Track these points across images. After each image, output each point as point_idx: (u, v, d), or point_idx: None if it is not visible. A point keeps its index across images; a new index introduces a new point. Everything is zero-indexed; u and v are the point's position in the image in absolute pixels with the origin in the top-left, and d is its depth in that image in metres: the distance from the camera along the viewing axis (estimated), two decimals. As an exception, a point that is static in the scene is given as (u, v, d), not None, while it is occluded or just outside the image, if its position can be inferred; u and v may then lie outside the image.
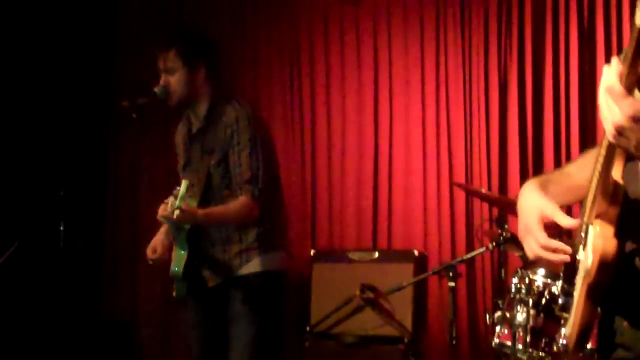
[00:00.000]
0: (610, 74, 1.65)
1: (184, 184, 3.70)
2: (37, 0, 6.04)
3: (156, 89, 3.97)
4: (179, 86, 3.95)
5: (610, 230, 1.82)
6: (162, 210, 3.75)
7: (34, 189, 5.76)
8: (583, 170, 2.06)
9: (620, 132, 1.65)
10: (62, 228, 3.98)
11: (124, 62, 6.54)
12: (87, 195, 5.71)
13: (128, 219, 6.37)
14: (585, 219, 1.92)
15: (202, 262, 3.95)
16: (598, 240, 1.81)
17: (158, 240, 4.07)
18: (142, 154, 6.44)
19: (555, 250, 1.99)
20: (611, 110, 1.65)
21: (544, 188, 2.07)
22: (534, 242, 2.01)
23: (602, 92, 1.67)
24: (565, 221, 1.96)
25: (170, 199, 3.71)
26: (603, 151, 1.82)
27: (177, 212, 3.65)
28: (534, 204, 2.03)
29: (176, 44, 3.97)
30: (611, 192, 1.85)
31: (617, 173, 1.84)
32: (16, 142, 6.00)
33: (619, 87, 1.62)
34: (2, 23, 5.91)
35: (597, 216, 1.84)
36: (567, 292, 2.02)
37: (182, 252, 3.90)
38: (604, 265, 1.80)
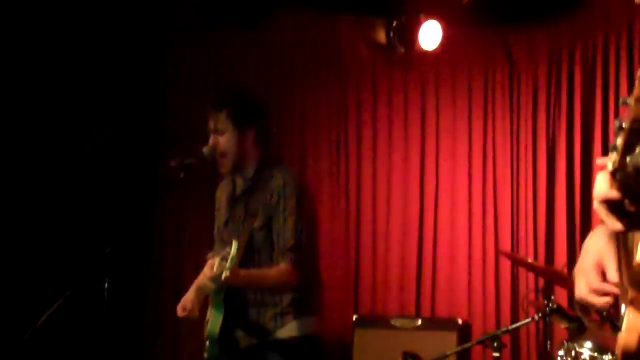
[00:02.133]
0: (602, 184, 1.63)
1: (234, 245, 3.71)
2: (89, 57, 6.14)
3: (204, 149, 3.99)
4: (228, 147, 3.97)
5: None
6: (209, 272, 3.75)
7: (81, 244, 5.80)
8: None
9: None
10: (106, 286, 3.99)
11: (173, 120, 6.60)
12: (132, 253, 5.73)
13: (172, 278, 6.37)
14: (621, 294, 1.90)
15: (237, 323, 3.93)
16: (625, 333, 1.80)
17: (188, 298, 4.07)
18: (187, 214, 6.46)
19: (604, 294, 1.95)
20: (610, 220, 1.64)
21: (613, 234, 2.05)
22: (585, 284, 1.98)
23: (596, 202, 1.65)
24: (612, 274, 1.93)
25: (216, 259, 3.71)
26: (617, 246, 1.82)
27: (226, 273, 3.65)
28: (597, 247, 2.00)
29: (228, 105, 4.00)
30: (638, 278, 1.83)
31: None
32: (64, 198, 6.06)
33: (614, 194, 1.60)
34: (54, 83, 6.01)
35: (631, 302, 1.81)
36: None
37: (218, 313, 3.89)
38: (628, 357, 1.79)
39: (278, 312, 3.91)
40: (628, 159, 1.54)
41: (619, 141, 1.56)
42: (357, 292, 6.13)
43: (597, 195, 1.65)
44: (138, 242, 5.99)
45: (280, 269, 3.84)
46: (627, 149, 1.55)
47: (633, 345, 1.79)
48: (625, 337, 1.79)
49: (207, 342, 3.94)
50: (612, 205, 1.62)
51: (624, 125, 1.57)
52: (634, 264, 1.83)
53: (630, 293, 1.83)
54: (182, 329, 6.24)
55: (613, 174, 1.58)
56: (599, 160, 1.67)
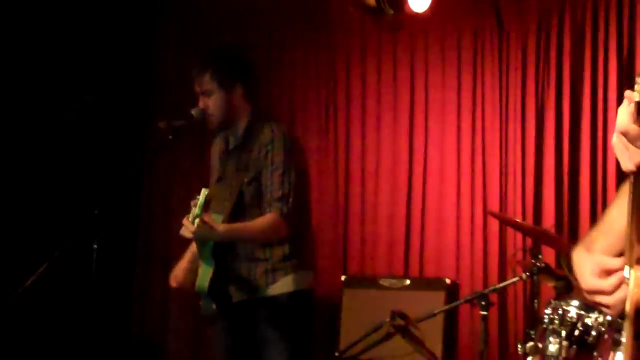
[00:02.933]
0: (624, 116, 1.63)
1: (203, 192, 3.70)
2: (78, 26, 6.11)
3: (193, 111, 3.99)
4: (216, 108, 3.97)
5: None
6: (186, 223, 3.73)
7: (69, 206, 5.80)
8: (623, 212, 2.04)
9: None
10: (95, 246, 4.00)
11: (162, 82, 6.59)
12: (121, 214, 5.73)
13: (161, 238, 6.39)
14: (627, 260, 1.90)
15: (228, 278, 3.94)
16: (635, 288, 1.79)
17: (180, 267, 4.09)
18: (176, 175, 6.47)
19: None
20: (624, 156, 1.64)
21: (589, 250, 2.05)
22: (604, 298, 1.93)
23: (617, 134, 1.65)
24: (614, 262, 1.93)
25: (192, 210, 3.71)
26: (630, 194, 1.81)
27: (197, 221, 3.65)
28: (586, 267, 1.99)
29: (211, 65, 4.00)
30: None
31: None
32: (53, 160, 6.06)
33: (634, 128, 1.60)
34: (39, 49, 5.99)
35: (639, 260, 1.82)
36: (618, 331, 2.00)
37: (208, 267, 3.89)
38: None
39: (269, 267, 3.92)
40: None
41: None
42: (346, 252, 6.16)
43: (618, 127, 1.64)
44: (127, 203, 6.00)
45: (266, 219, 3.84)
46: None
47: None
48: (637, 292, 1.78)
49: (202, 299, 3.96)
50: (630, 139, 1.61)
51: None
52: None
53: (638, 251, 1.83)
54: (171, 292, 6.27)
55: (638, 105, 1.59)
56: (627, 93, 1.66)
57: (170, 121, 3.96)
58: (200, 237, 3.81)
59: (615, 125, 1.65)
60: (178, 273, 4.08)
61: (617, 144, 1.65)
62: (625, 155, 1.63)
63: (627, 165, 1.64)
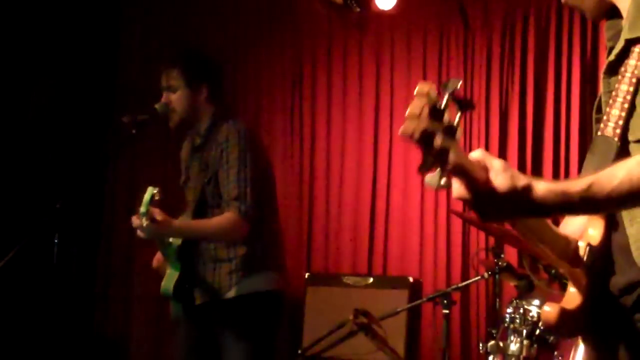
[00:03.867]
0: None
1: (149, 190, 3.68)
2: (40, 16, 6.05)
3: (157, 106, 3.97)
4: (179, 105, 3.96)
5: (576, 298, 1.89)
6: (136, 221, 3.71)
7: (31, 200, 5.75)
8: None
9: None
10: (56, 241, 3.97)
11: (126, 77, 6.55)
12: (83, 209, 5.69)
13: (123, 234, 6.34)
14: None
15: (193, 281, 3.93)
16: (545, 309, 1.91)
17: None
18: (140, 170, 6.43)
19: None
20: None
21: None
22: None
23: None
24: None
25: (139, 209, 3.69)
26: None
27: (144, 220, 3.62)
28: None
29: (180, 62, 3.98)
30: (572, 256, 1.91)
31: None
32: (15, 153, 6.00)
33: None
34: (3, 36, 5.92)
35: (570, 275, 1.88)
36: None
37: (174, 270, 3.89)
38: (548, 328, 1.89)
39: (233, 268, 3.90)
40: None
41: None
42: (310, 250, 6.16)
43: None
44: (89, 198, 5.96)
45: (223, 217, 3.81)
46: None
47: (553, 320, 1.90)
48: (545, 314, 1.91)
49: (170, 302, 3.94)
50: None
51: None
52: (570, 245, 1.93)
53: (566, 266, 1.90)
54: (133, 285, 6.24)
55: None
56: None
57: (134, 115, 3.93)
58: (153, 236, 3.78)
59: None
60: (160, 255, 4.04)
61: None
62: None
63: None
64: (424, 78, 6.03)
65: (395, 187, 6.02)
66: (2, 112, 5.98)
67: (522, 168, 5.67)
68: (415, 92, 1.57)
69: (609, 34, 2.06)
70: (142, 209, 3.64)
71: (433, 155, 1.56)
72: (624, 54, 1.93)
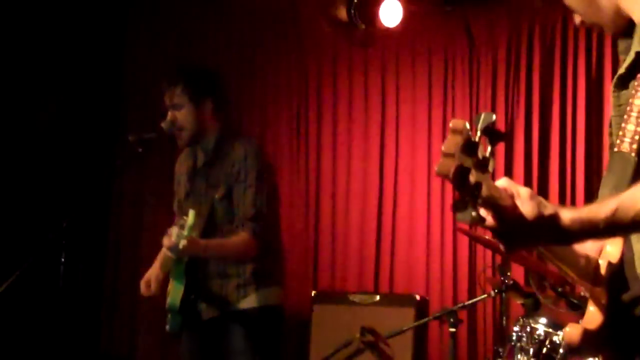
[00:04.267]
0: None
1: (191, 213, 3.71)
2: (46, 34, 6.07)
3: (163, 124, 3.98)
4: (186, 122, 3.97)
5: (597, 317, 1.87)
6: (167, 241, 3.73)
7: (37, 218, 5.75)
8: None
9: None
10: (63, 259, 3.97)
11: (132, 96, 6.56)
12: (89, 227, 5.70)
13: (129, 253, 6.35)
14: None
15: (199, 296, 3.93)
16: (568, 330, 1.89)
17: (152, 274, 4.06)
18: (146, 188, 6.43)
19: None
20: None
21: None
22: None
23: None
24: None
25: (174, 229, 3.70)
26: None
27: (183, 242, 3.64)
28: None
29: (182, 80, 3.99)
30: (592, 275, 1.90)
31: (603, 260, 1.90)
32: (21, 171, 6.00)
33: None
34: (10, 54, 5.94)
35: (591, 294, 1.87)
36: None
37: (179, 285, 3.89)
38: (572, 349, 1.89)
39: (241, 282, 3.92)
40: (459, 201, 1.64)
41: None
42: (316, 267, 6.14)
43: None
44: (95, 216, 5.96)
45: (239, 238, 3.84)
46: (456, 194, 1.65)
47: (576, 340, 1.88)
48: (569, 333, 1.90)
49: (169, 315, 3.93)
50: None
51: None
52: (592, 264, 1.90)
53: (587, 286, 1.89)
54: (140, 303, 6.23)
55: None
56: None
57: (140, 134, 3.95)
58: (184, 255, 3.81)
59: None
60: (149, 280, 4.05)
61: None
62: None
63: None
64: (429, 95, 6.03)
65: (402, 204, 6.01)
66: (8, 131, 5.99)
67: (528, 185, 5.65)
68: (450, 128, 1.58)
69: (621, 48, 2.06)
70: (186, 232, 3.69)
71: (468, 192, 1.56)
72: (635, 67, 1.93)
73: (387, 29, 5.93)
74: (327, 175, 6.22)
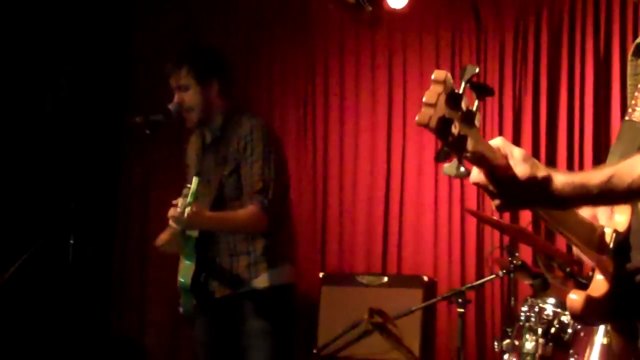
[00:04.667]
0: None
1: (195, 180, 3.68)
2: (53, 17, 6.07)
3: (170, 106, 3.98)
4: (194, 103, 3.96)
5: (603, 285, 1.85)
6: (173, 211, 3.71)
7: (46, 201, 5.77)
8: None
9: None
10: (72, 241, 3.98)
11: (140, 78, 6.56)
12: (98, 209, 5.71)
13: (138, 234, 6.37)
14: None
15: (210, 273, 3.92)
16: (571, 296, 1.88)
17: (167, 231, 4.04)
18: (154, 170, 6.44)
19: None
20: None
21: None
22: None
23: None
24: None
25: (179, 200, 3.69)
26: None
27: (188, 209, 3.63)
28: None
29: (187, 61, 3.98)
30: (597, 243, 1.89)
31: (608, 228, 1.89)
32: (29, 154, 6.02)
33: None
34: (18, 39, 5.94)
35: (598, 263, 1.86)
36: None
37: (190, 263, 3.87)
38: (574, 316, 1.89)
39: (252, 261, 3.90)
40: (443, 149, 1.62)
41: None
42: (324, 249, 6.15)
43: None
44: (104, 198, 5.98)
45: (248, 210, 3.83)
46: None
47: (578, 308, 1.88)
48: (570, 302, 1.89)
49: (181, 296, 3.93)
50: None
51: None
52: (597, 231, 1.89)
53: (591, 253, 1.88)
54: (149, 285, 6.25)
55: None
56: None
57: (148, 116, 3.94)
58: (188, 226, 3.78)
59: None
60: (164, 235, 4.04)
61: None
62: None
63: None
64: (437, 77, 6.01)
65: (409, 185, 6.01)
66: (16, 115, 6.00)
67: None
68: (431, 79, 1.54)
69: None
70: (190, 199, 3.64)
71: (451, 143, 1.53)
72: None
73: (394, 11, 5.91)
74: (335, 157, 6.22)
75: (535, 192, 1.68)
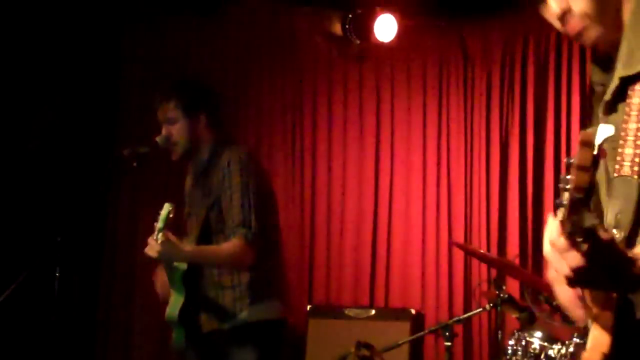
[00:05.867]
0: (553, 227, 1.69)
1: (165, 206, 3.67)
2: (41, 46, 6.08)
3: (158, 139, 3.98)
4: (180, 136, 3.97)
5: (605, 340, 1.83)
6: (149, 243, 3.70)
7: (31, 233, 5.74)
8: None
9: (571, 280, 1.70)
10: (57, 274, 3.96)
11: (127, 110, 6.56)
12: (84, 242, 5.69)
13: (125, 266, 6.33)
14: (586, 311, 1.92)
15: (198, 307, 3.91)
16: (587, 353, 1.84)
17: (159, 273, 4.02)
18: (141, 203, 6.41)
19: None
20: (559, 263, 1.70)
21: None
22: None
23: (547, 245, 1.71)
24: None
25: (155, 225, 3.68)
26: None
27: (160, 235, 3.62)
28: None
29: (175, 94, 3.99)
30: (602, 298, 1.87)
31: None
32: (15, 185, 6.00)
33: (561, 242, 1.66)
34: (4, 67, 5.95)
35: (595, 319, 1.85)
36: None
37: (179, 296, 3.86)
38: None
39: (237, 295, 3.88)
40: (574, 218, 1.63)
41: (565, 203, 1.65)
42: (312, 282, 6.14)
43: (548, 238, 1.71)
44: (90, 231, 5.95)
45: (231, 244, 3.81)
46: (572, 211, 1.63)
47: None
48: (587, 357, 1.82)
49: (173, 329, 3.91)
50: (560, 251, 1.68)
51: (567, 188, 1.63)
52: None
53: (594, 310, 1.86)
54: (135, 317, 6.22)
55: (562, 223, 1.66)
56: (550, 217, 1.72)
57: (135, 148, 3.94)
58: (166, 256, 3.76)
59: (546, 236, 1.72)
60: (161, 277, 4.01)
61: (550, 255, 1.71)
62: (559, 264, 1.70)
63: (561, 274, 1.70)
64: (424, 109, 6.05)
65: (397, 218, 6.01)
66: (2, 144, 5.99)
67: (523, 198, 5.68)
68: (580, 141, 1.59)
69: (595, 78, 2.08)
70: (160, 224, 3.64)
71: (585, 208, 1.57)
72: (620, 92, 1.94)
73: (382, 44, 5.95)
74: (322, 189, 6.22)
75: (628, 271, 1.69)
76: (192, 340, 3.93)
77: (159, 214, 3.69)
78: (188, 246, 3.81)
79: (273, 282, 3.99)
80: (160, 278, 4.02)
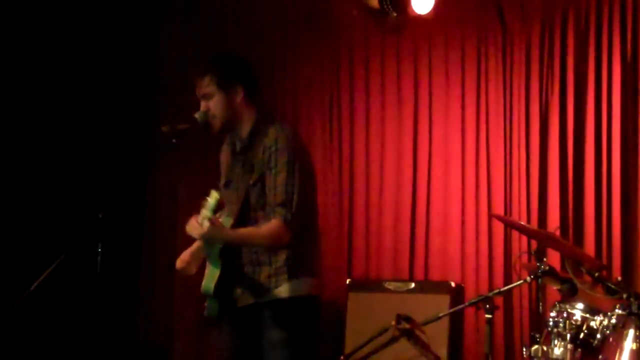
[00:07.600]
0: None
1: (213, 194, 3.71)
2: (80, 26, 6.12)
3: (196, 115, 3.99)
4: (218, 110, 3.97)
5: None
6: (191, 225, 3.76)
7: (74, 210, 5.80)
8: None
9: None
10: (99, 250, 4.00)
11: (166, 87, 6.60)
12: (125, 218, 5.74)
13: (165, 242, 6.39)
14: None
15: (234, 282, 3.94)
16: None
17: (189, 251, 4.08)
18: (180, 179, 6.47)
19: None
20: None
21: None
22: None
23: None
24: None
25: (202, 212, 3.73)
26: None
27: (206, 222, 3.66)
28: None
29: (209, 69, 4.00)
30: None
31: None
32: (57, 164, 6.06)
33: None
34: (46, 47, 5.99)
35: None
36: None
37: (215, 269, 3.89)
38: None
39: (272, 272, 3.90)
40: None
41: None
42: (351, 255, 6.15)
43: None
44: (131, 207, 6.01)
45: (270, 224, 3.83)
46: None
47: None
48: None
49: (207, 300, 3.95)
50: None
51: None
52: None
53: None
54: (176, 292, 6.27)
55: None
56: None
57: (174, 125, 3.95)
58: (208, 239, 3.82)
59: None
60: (185, 256, 4.08)
61: None
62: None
63: None
64: (462, 82, 6.01)
65: (436, 191, 5.99)
66: (43, 124, 6.05)
67: (564, 172, 5.63)
68: None
69: None
70: (208, 213, 3.70)
71: None
72: None
73: (419, 16, 5.90)
74: (360, 163, 6.22)
75: None
76: (227, 312, 3.96)
77: (206, 199, 3.73)
78: (229, 230, 3.85)
79: (309, 259, 4.00)
80: (182, 255, 4.08)
